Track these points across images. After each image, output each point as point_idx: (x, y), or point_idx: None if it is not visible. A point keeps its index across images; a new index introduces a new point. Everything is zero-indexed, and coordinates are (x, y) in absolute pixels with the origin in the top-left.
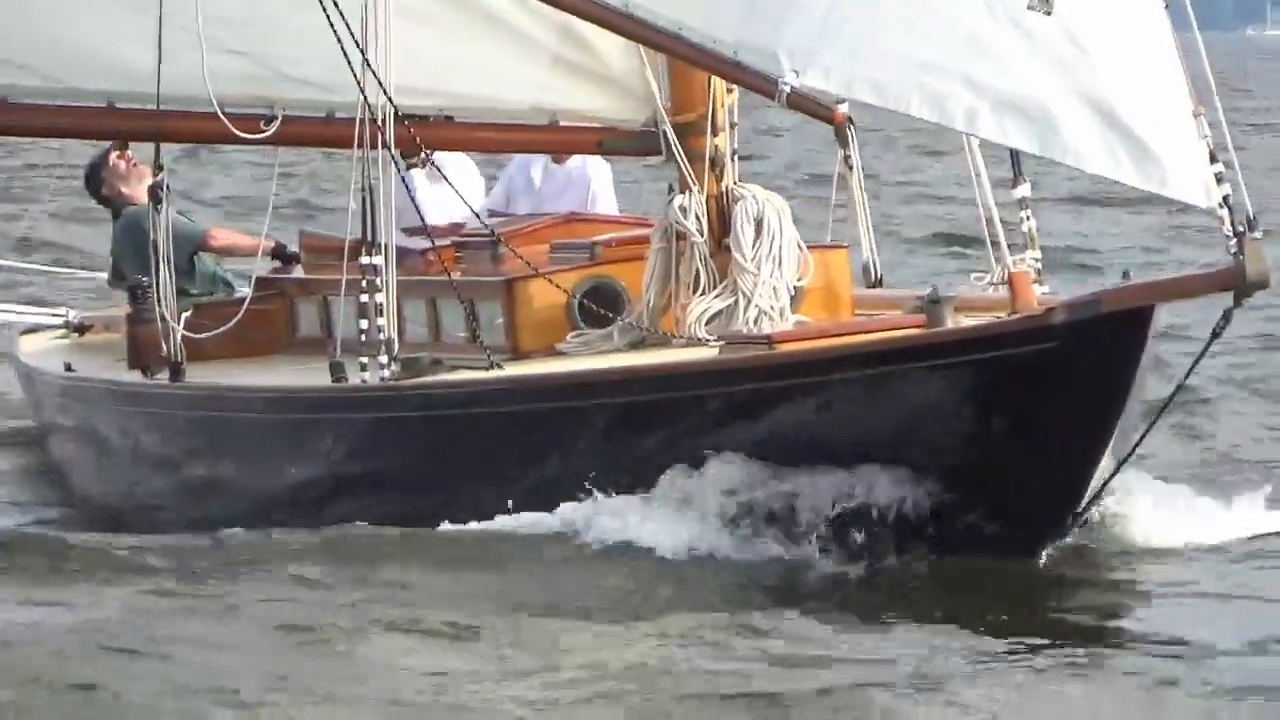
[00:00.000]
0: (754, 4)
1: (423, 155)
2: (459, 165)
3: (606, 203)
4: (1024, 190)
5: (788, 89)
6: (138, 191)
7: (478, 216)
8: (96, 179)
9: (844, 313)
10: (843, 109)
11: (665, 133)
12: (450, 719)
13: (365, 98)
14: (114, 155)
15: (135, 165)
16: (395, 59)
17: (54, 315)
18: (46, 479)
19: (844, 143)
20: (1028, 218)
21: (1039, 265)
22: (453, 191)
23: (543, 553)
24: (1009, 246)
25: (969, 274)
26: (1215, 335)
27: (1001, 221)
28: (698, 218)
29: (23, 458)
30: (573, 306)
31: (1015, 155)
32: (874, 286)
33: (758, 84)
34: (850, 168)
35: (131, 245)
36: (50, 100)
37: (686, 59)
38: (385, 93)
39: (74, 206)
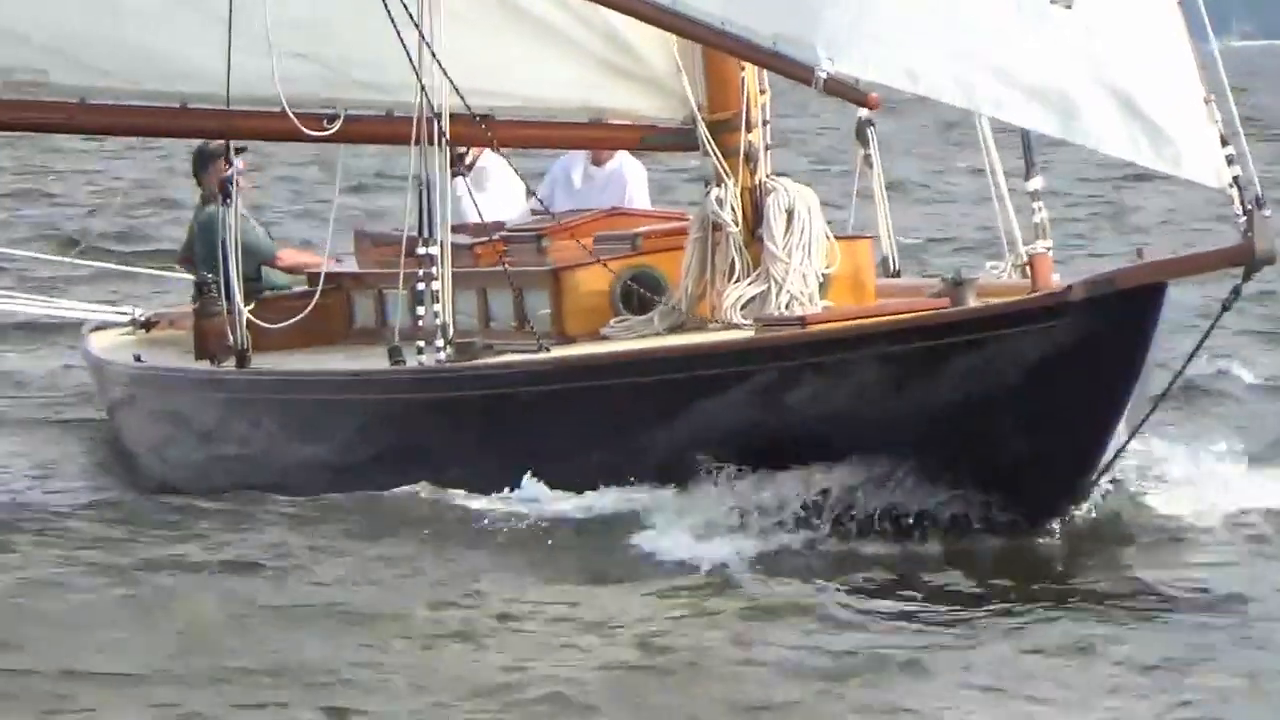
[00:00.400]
0: None
1: (465, 164)
2: (499, 171)
3: (642, 201)
4: (1036, 183)
5: (824, 75)
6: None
7: (544, 206)
8: (205, 164)
9: (868, 299)
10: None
11: (702, 130)
12: (507, 698)
13: (425, 96)
14: (236, 159)
15: (227, 172)
16: (450, 61)
17: (120, 313)
18: (116, 461)
19: (864, 142)
20: (1040, 209)
21: (1050, 253)
22: (495, 195)
23: (589, 529)
24: (1020, 236)
25: (985, 263)
26: (1225, 309)
27: (1015, 212)
28: (733, 209)
29: (93, 442)
30: (615, 293)
31: (1028, 149)
32: (892, 277)
33: (796, 72)
34: (869, 165)
35: (205, 242)
36: (128, 101)
37: (729, 51)
38: (455, 88)
39: (136, 212)
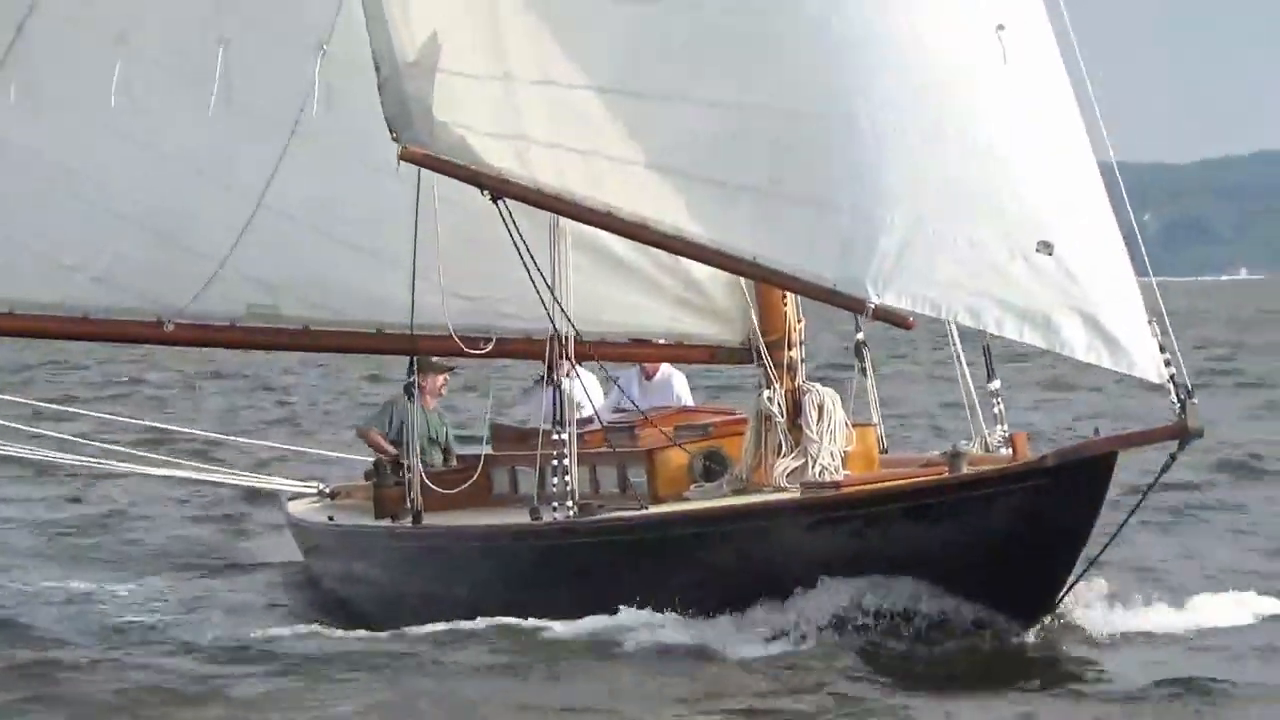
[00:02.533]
0: (846, 245)
1: (556, 376)
2: (588, 381)
3: (687, 399)
4: (996, 384)
5: (873, 306)
6: (427, 399)
7: (634, 405)
8: (421, 371)
9: (875, 469)
10: (911, 319)
11: (758, 348)
12: None
13: (555, 326)
14: (437, 376)
15: (441, 385)
16: (568, 299)
17: (309, 486)
18: (312, 596)
19: (861, 358)
20: (999, 402)
21: (1007, 435)
22: (585, 397)
23: (690, 647)
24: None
25: (958, 440)
26: (1164, 470)
27: (979, 405)
28: (780, 406)
29: (292, 584)
30: (695, 467)
31: (989, 360)
32: (882, 454)
33: (852, 304)
34: (864, 374)
35: (393, 425)
36: (337, 327)
37: (801, 292)
38: (572, 325)
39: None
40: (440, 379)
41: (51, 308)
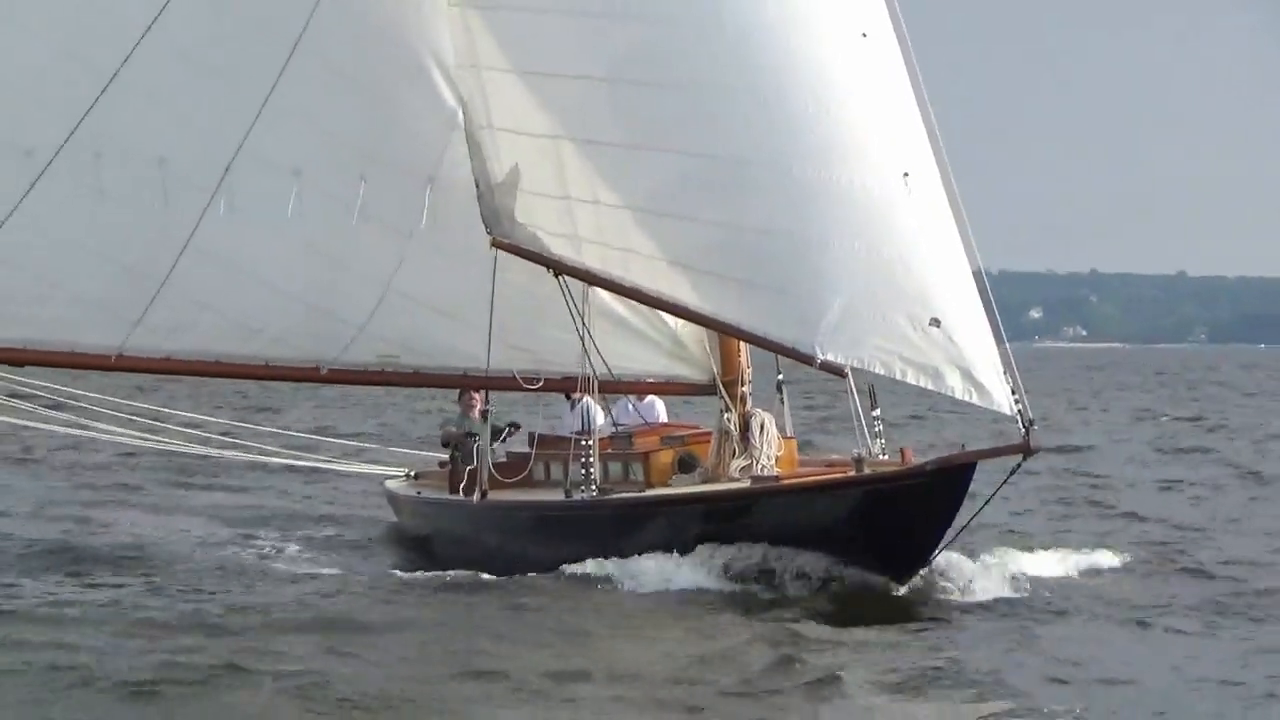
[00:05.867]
0: (801, 319)
1: (577, 398)
2: (594, 406)
3: (665, 417)
4: (877, 412)
5: (818, 360)
6: (471, 411)
7: (634, 418)
8: (464, 398)
9: (795, 468)
10: (846, 369)
11: (720, 385)
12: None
13: (592, 368)
14: (472, 395)
15: (473, 401)
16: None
17: (400, 471)
18: (404, 552)
19: (780, 393)
20: (879, 426)
21: (885, 451)
22: (596, 415)
23: (668, 589)
24: (871, 439)
25: (848, 451)
26: (1011, 474)
27: (866, 426)
28: (734, 424)
29: (388, 542)
30: (675, 464)
31: (873, 395)
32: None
33: (803, 358)
34: (783, 404)
35: (461, 430)
36: (436, 371)
37: (770, 349)
38: (593, 367)
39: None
40: (478, 397)
41: (245, 359)
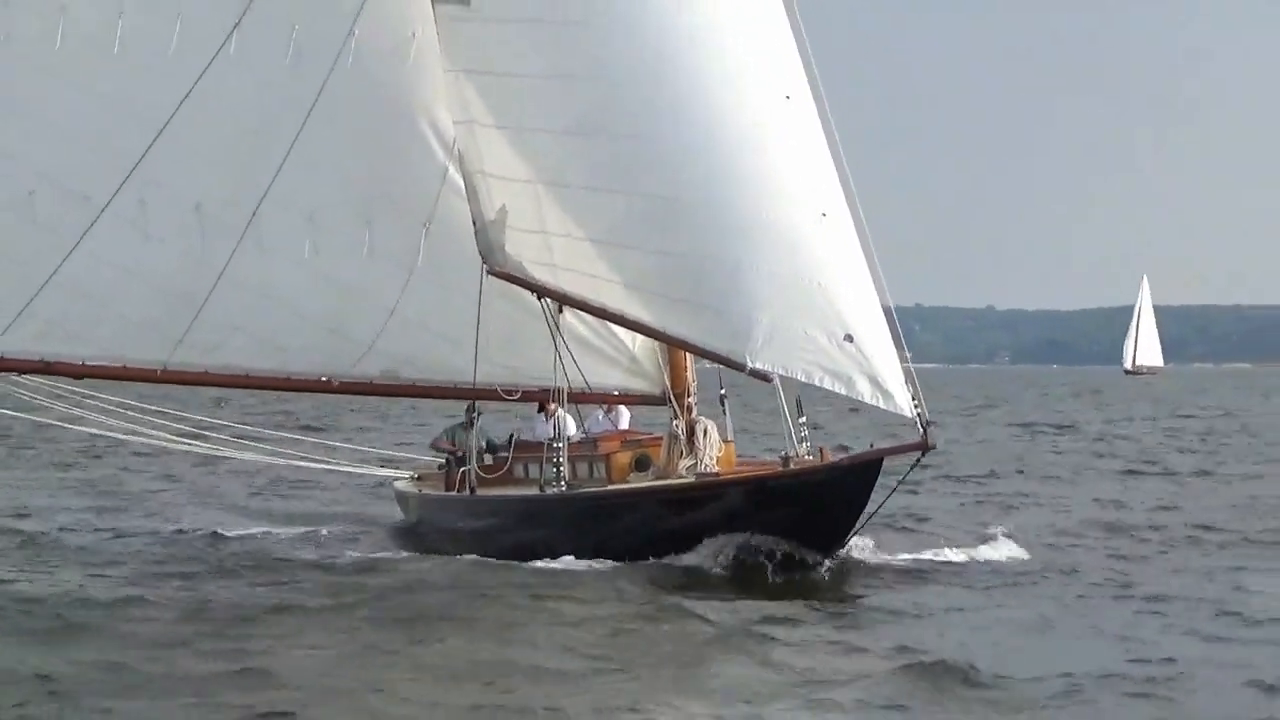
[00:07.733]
0: (734, 332)
1: (549, 411)
2: (565, 415)
3: (629, 425)
4: (804, 419)
5: (748, 368)
6: (471, 416)
7: (596, 428)
8: (469, 412)
9: (733, 467)
10: (772, 376)
11: (670, 395)
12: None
13: (567, 382)
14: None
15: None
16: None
17: (405, 473)
18: (409, 542)
19: (723, 405)
20: (805, 431)
21: (814, 448)
22: (567, 424)
23: (616, 573)
24: (799, 441)
25: (778, 452)
26: (912, 468)
27: (796, 429)
28: (681, 430)
29: (393, 532)
30: (633, 464)
31: (799, 405)
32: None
33: (736, 365)
34: (725, 414)
35: (455, 435)
36: (432, 384)
37: (709, 358)
38: (569, 380)
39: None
40: (477, 409)
41: (270, 372)
